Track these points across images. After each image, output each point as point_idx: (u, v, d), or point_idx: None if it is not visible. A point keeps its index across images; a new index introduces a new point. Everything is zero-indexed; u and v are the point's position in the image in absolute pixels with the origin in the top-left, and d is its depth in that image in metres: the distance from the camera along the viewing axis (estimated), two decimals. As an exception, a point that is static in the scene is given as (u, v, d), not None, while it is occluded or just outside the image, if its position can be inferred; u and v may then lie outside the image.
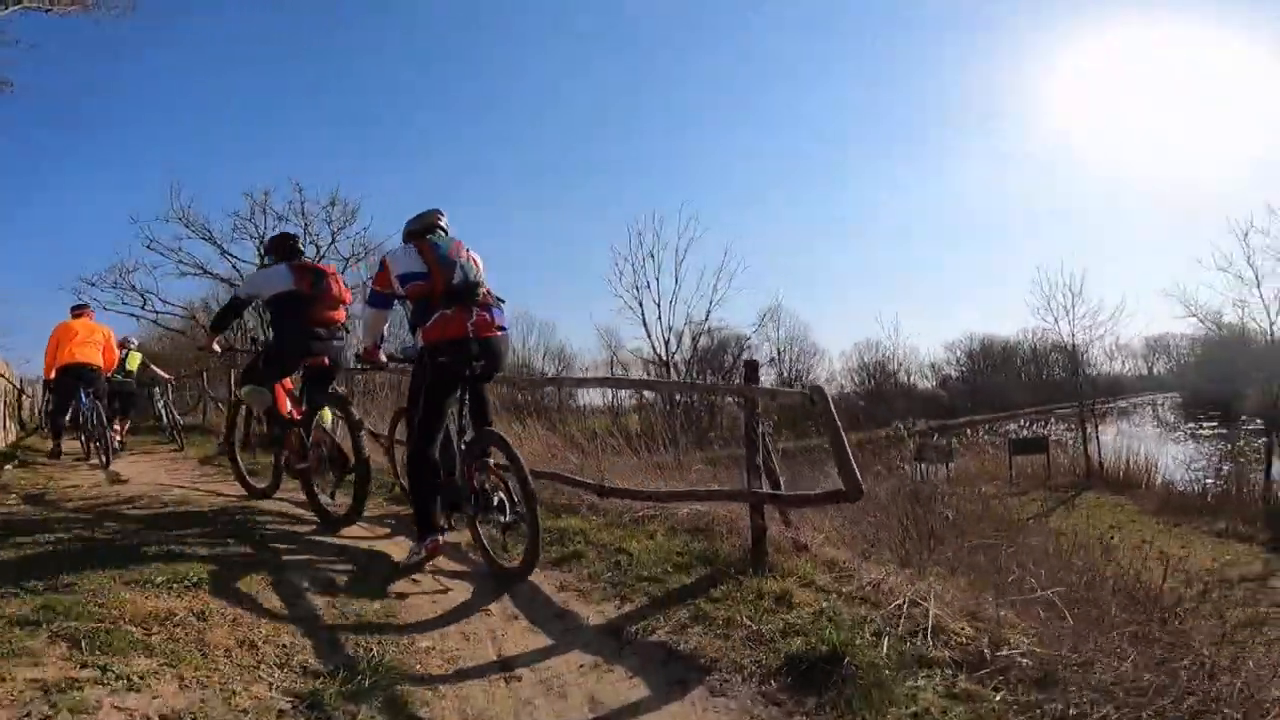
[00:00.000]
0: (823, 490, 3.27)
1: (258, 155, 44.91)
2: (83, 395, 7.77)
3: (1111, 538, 6.47)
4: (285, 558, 3.72)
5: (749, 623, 2.87)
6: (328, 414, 4.65)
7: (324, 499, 4.48)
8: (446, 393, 3.51)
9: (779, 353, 40.11)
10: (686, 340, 33.94)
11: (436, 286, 3.39)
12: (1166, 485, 19.62)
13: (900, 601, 2.99)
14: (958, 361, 50.41)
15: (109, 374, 8.79)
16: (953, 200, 58.31)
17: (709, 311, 33.56)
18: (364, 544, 4.08)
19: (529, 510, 3.33)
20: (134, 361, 10.27)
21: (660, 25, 54.31)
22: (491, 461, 3.55)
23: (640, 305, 33.18)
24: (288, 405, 4.80)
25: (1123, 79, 57.56)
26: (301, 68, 49.38)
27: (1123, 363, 53.55)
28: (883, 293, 62.36)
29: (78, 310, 8.35)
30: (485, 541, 3.57)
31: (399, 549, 3.97)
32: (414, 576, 3.51)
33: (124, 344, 10.41)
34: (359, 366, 4.71)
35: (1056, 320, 24.86)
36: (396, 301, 3.67)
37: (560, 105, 55.75)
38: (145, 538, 3.81)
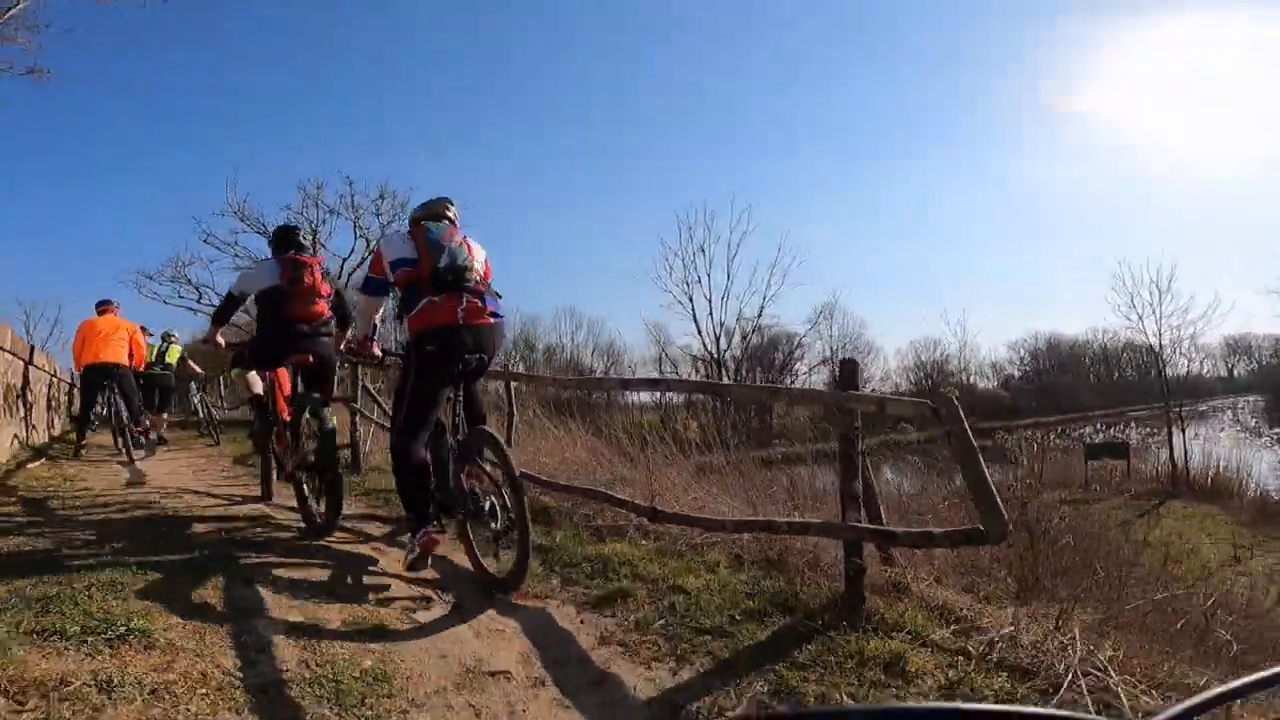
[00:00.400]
0: (951, 530, 2.49)
1: (304, 150, 45.35)
2: (108, 392, 7.67)
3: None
4: (256, 578, 3.12)
5: (853, 703, 2.13)
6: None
7: (313, 504, 4.15)
8: (435, 385, 3.27)
9: (833, 352, 38.79)
10: (737, 337, 33.12)
11: (423, 271, 3.21)
12: (1262, 494, 18.01)
13: (1063, 668, 2.22)
14: (1021, 361, 48.13)
15: (144, 367, 8.68)
16: (1018, 196, 55.67)
17: (762, 307, 32.65)
18: (345, 549, 3.68)
19: (519, 518, 3.04)
20: (174, 355, 10.12)
21: (715, 18, 52.98)
22: (484, 464, 3.28)
23: (690, 300, 32.49)
24: (283, 404, 4.50)
25: (1185, 71, 53.71)
26: (349, 64, 49.84)
27: (1200, 364, 50.55)
28: (939, 291, 59.79)
29: (102, 307, 8.12)
30: (476, 549, 3.30)
31: (389, 559, 3.56)
32: (392, 593, 3.08)
33: (166, 337, 10.29)
34: (350, 360, 4.54)
35: (1141, 318, 23.17)
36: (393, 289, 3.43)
37: (612, 95, 54.99)
38: (106, 558, 3.24)
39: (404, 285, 3.27)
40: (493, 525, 3.15)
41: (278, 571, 3.26)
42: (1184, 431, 21.54)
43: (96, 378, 7.71)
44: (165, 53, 43.90)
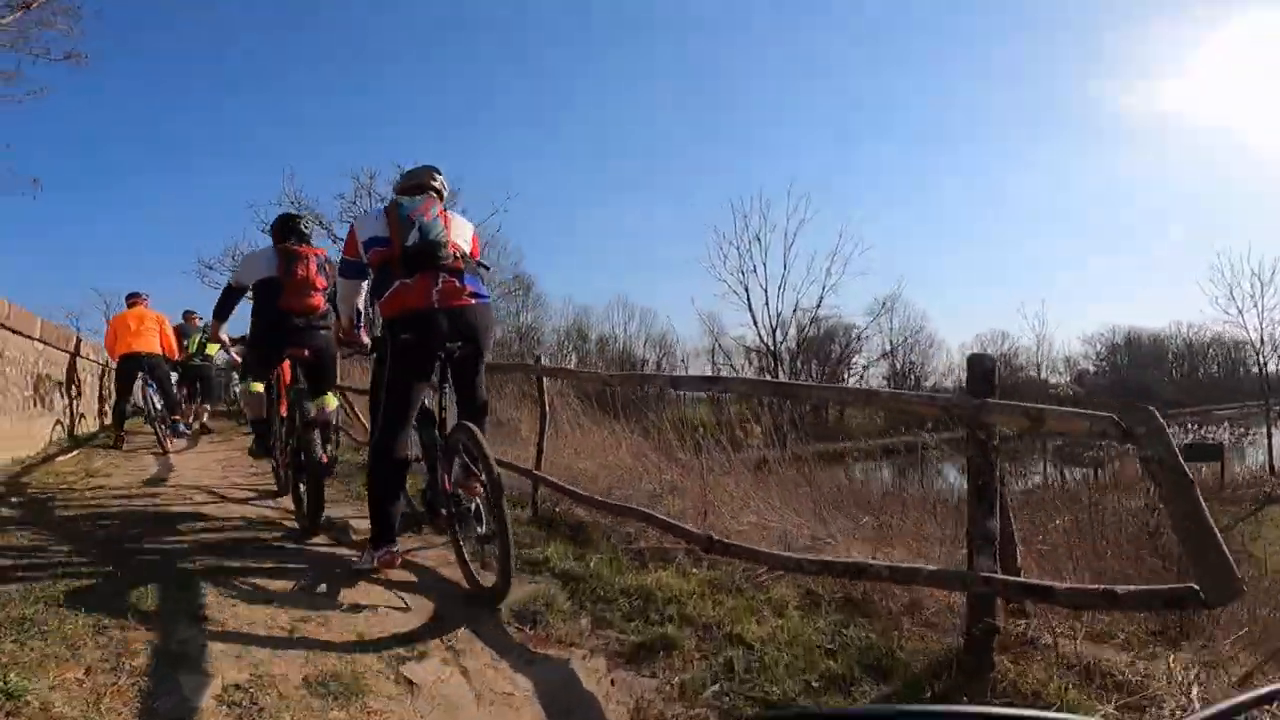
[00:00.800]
0: (1145, 590, 1.75)
1: (354, 143, 45.94)
2: (142, 382, 7.90)
3: None
4: (208, 607, 2.59)
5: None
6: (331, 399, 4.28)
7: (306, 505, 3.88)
8: (413, 376, 2.99)
9: (893, 346, 37.32)
10: (793, 329, 32.10)
11: (394, 251, 2.95)
12: (1373, 499, 16.30)
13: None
14: (1097, 355, 45.48)
15: (182, 359, 8.67)
16: (1096, 193, 52.42)
17: (821, 297, 31.50)
18: (327, 559, 3.32)
19: (499, 522, 2.72)
20: (214, 347, 9.96)
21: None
22: (467, 460, 2.96)
23: (746, 290, 31.56)
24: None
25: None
26: (403, 51, 50.30)
27: (1293, 360, 46.93)
28: (1010, 284, 56.63)
29: (132, 299, 8.25)
30: (467, 554, 2.99)
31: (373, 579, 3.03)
32: (373, 629, 2.56)
33: (207, 328, 10.15)
34: (346, 353, 4.36)
35: (1240, 311, 21.39)
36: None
37: (660, 80, 54.02)
38: (49, 578, 2.72)
39: (377, 267, 3.04)
40: (478, 529, 2.89)
41: (235, 596, 2.73)
42: (1289, 432, 19.71)
43: (130, 368, 7.88)
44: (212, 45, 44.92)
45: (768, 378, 28.55)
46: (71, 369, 8.33)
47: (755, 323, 31.65)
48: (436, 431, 3.25)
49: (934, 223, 53.08)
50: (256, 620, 2.53)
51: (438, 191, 3.19)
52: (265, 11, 46.72)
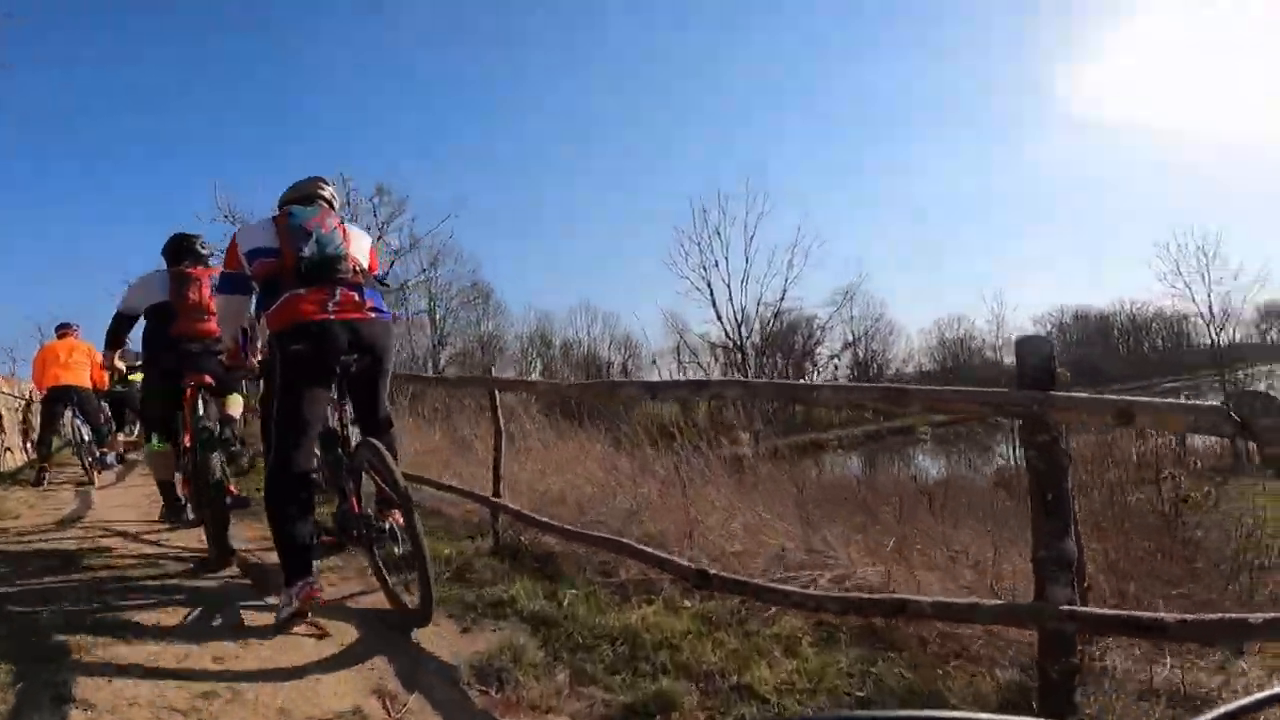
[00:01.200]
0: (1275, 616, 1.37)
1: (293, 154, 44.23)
2: (70, 414, 7.53)
3: None
4: (107, 654, 2.11)
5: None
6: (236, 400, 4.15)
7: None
8: (308, 386, 2.72)
9: (854, 337, 37.50)
10: (756, 324, 32.04)
11: (286, 262, 2.75)
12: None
13: None
14: (1048, 335, 46.62)
15: (109, 387, 8.31)
16: (1029, 171, 53.37)
17: (784, 290, 31.46)
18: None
19: (414, 544, 2.55)
20: (137, 375, 9.31)
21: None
22: (379, 481, 2.80)
23: (709, 286, 31.34)
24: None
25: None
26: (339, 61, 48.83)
27: (1233, 332, 48.85)
28: (962, 270, 57.46)
29: (62, 330, 7.96)
30: (389, 577, 2.79)
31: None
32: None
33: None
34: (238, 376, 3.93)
35: (1189, 285, 21.99)
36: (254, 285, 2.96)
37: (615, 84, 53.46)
38: None
39: (263, 279, 2.82)
40: (395, 550, 2.69)
41: (117, 673, 2.21)
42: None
43: (58, 400, 7.55)
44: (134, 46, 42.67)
45: (736, 376, 28.34)
46: None
47: (720, 318, 31.49)
48: (340, 450, 3.03)
49: (887, 218, 53.74)
50: (142, 701, 2.02)
51: (328, 202, 3.02)
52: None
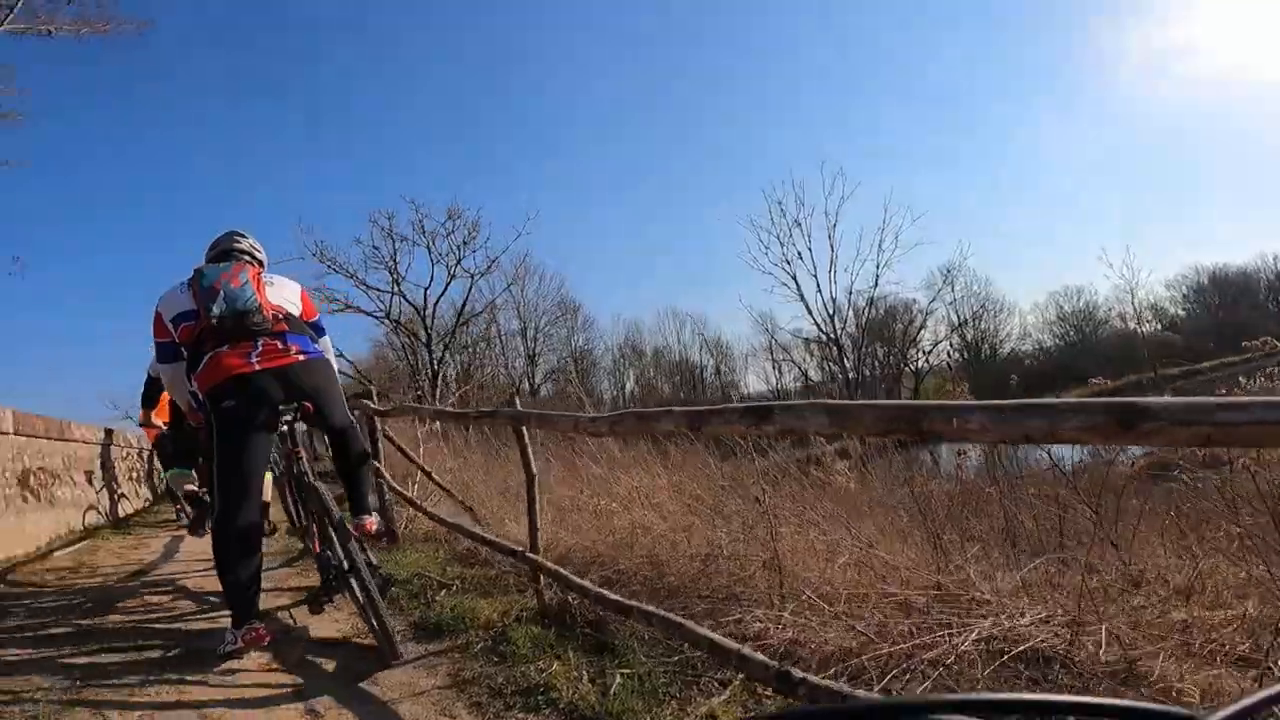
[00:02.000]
0: None
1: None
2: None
3: None
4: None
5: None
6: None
7: None
8: (245, 446, 2.73)
9: (961, 319, 35.02)
10: (850, 314, 30.50)
11: (203, 323, 2.82)
12: None
13: None
14: (1185, 299, 42.08)
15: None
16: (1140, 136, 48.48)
17: (877, 275, 29.83)
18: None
19: (361, 586, 2.61)
20: None
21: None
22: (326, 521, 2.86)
23: (795, 280, 30.17)
24: None
25: None
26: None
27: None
28: (1066, 240, 52.66)
29: None
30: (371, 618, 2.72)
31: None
32: None
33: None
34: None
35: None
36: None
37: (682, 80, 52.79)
38: None
39: (188, 343, 2.88)
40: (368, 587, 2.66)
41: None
42: None
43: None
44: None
45: (833, 370, 26.87)
46: (105, 458, 8.54)
47: (809, 311, 30.23)
48: (302, 495, 3.17)
49: (986, 191, 50.31)
50: None
51: (247, 254, 3.10)
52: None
